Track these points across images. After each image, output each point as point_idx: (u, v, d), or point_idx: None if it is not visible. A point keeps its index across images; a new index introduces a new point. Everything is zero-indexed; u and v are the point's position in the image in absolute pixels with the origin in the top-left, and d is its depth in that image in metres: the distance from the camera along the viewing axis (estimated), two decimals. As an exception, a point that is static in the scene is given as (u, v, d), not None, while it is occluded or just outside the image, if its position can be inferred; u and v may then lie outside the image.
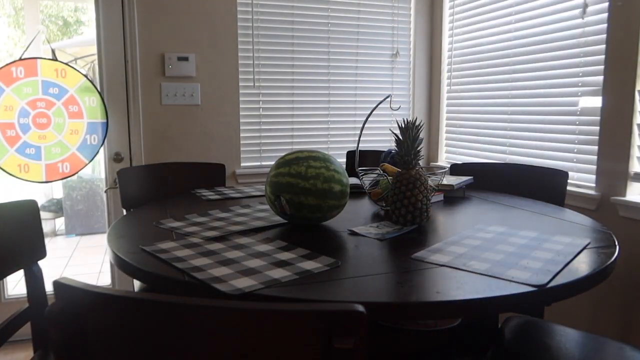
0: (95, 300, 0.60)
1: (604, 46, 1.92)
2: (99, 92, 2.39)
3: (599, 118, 1.95)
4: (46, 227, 4.79)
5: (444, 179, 1.74)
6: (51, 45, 2.42)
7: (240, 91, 2.67)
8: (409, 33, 2.98)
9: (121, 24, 2.45)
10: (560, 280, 0.89)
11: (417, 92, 3.04)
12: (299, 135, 2.83)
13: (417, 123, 1.29)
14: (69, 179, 3.18)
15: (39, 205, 1.34)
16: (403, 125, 1.29)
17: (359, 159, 2.14)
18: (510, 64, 2.43)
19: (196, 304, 0.55)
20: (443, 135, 3.01)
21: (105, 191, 2.52)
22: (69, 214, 4.78)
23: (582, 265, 0.97)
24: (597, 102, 1.97)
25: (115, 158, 2.51)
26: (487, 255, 1.04)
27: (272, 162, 2.77)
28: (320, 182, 1.22)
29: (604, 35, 1.92)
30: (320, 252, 1.06)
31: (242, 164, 2.72)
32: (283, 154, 1.46)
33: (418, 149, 1.29)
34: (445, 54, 2.94)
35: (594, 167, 1.98)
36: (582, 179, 2.05)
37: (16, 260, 1.25)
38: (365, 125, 2.98)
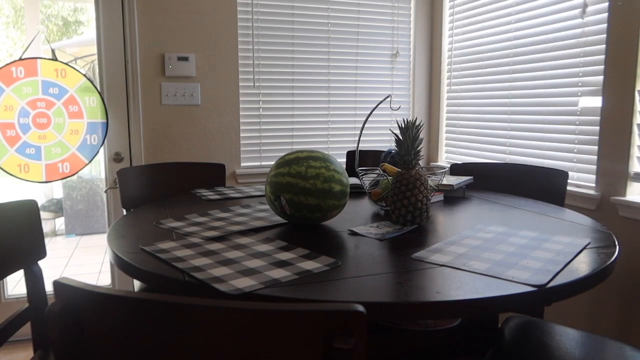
0: (95, 300, 0.60)
1: (604, 46, 1.92)
2: (99, 92, 2.39)
3: (599, 118, 1.95)
4: (46, 227, 4.79)
5: (444, 179, 1.74)
6: (51, 45, 2.42)
7: (240, 91, 2.67)
8: (409, 33, 2.98)
9: (121, 24, 2.45)
10: (560, 280, 0.89)
11: (417, 92, 3.04)
12: (299, 135, 2.83)
13: (417, 123, 1.29)
14: (69, 179, 3.18)
15: (39, 205, 1.34)
16: (403, 125, 1.29)
17: (359, 159, 2.14)
18: (510, 64, 2.43)
19: (196, 304, 0.55)
20: (443, 135, 3.01)
21: (105, 191, 2.52)
22: (69, 214, 4.78)
23: (582, 265, 0.97)
24: (597, 102, 1.97)
25: (115, 158, 2.51)
26: (487, 255, 1.04)
27: (272, 162, 2.78)
28: (320, 182, 1.22)
29: (604, 35, 1.92)
30: (320, 252, 1.06)
31: (242, 164, 2.72)
32: (283, 154, 1.46)
33: (418, 149, 1.29)
34: (445, 54, 2.94)
35: (594, 167, 1.98)
36: (582, 179, 2.05)
37: (16, 260, 1.25)
38: (365, 125, 2.99)
